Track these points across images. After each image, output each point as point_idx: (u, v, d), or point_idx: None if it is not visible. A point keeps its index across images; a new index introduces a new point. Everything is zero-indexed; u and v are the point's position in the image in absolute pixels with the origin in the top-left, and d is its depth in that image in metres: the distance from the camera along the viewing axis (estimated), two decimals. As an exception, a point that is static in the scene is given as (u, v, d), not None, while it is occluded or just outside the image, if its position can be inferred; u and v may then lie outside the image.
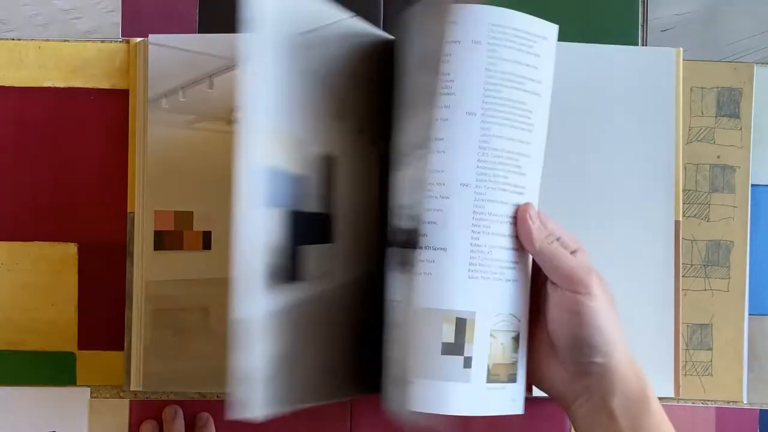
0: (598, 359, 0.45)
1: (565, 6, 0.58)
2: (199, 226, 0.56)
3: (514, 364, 0.46)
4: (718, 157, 0.58)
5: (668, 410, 0.57)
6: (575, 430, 0.47)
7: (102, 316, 0.57)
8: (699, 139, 0.58)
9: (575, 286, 0.45)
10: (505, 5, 0.59)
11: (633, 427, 0.44)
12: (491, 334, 0.45)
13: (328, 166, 0.47)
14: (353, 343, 0.49)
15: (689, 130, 0.58)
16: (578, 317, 0.44)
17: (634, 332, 0.50)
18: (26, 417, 0.56)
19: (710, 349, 0.58)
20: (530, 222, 0.45)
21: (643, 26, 0.59)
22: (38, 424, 0.56)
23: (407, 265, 0.45)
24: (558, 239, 0.46)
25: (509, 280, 0.45)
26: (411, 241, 0.45)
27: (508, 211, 0.45)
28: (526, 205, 0.46)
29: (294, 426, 0.57)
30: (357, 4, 0.58)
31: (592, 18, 0.58)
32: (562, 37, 0.58)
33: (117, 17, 0.58)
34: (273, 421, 0.57)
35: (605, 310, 0.44)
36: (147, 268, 0.56)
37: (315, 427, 0.57)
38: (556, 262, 0.45)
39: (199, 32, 0.58)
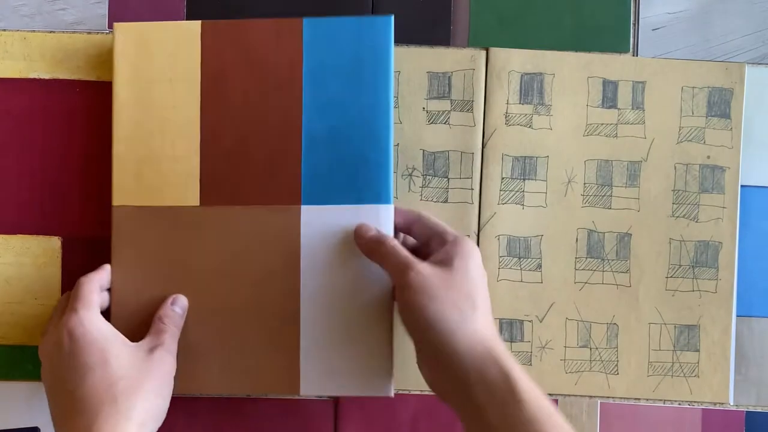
0: (435, 350, 0.45)
1: (556, 5, 0.58)
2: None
3: None
4: (708, 157, 0.58)
5: (655, 411, 0.57)
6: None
7: (85, 310, 0.56)
8: (689, 139, 0.58)
9: (397, 283, 0.48)
10: (494, 10, 0.59)
11: (504, 419, 0.42)
12: None
13: None
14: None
15: (679, 129, 0.58)
16: (407, 313, 0.47)
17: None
18: (8, 412, 0.56)
19: (697, 350, 0.57)
20: (358, 240, 0.51)
21: (634, 25, 0.58)
22: (20, 419, 0.56)
23: None
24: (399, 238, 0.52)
25: None
26: None
27: None
28: (358, 226, 0.52)
29: (277, 422, 0.57)
30: (346, 3, 0.58)
31: (584, 17, 0.58)
32: (553, 36, 0.58)
33: (103, 8, 0.57)
34: (256, 417, 0.57)
35: (430, 301, 0.45)
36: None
37: (299, 425, 0.57)
38: (383, 264, 0.50)
39: (187, 25, 0.57)
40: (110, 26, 0.57)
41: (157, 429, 0.48)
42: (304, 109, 0.52)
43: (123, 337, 0.49)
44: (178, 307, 0.52)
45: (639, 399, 0.57)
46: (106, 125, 0.57)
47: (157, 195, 0.53)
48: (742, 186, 0.58)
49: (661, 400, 0.58)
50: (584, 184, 0.58)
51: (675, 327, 0.58)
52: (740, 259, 0.58)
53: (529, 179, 0.57)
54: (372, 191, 0.51)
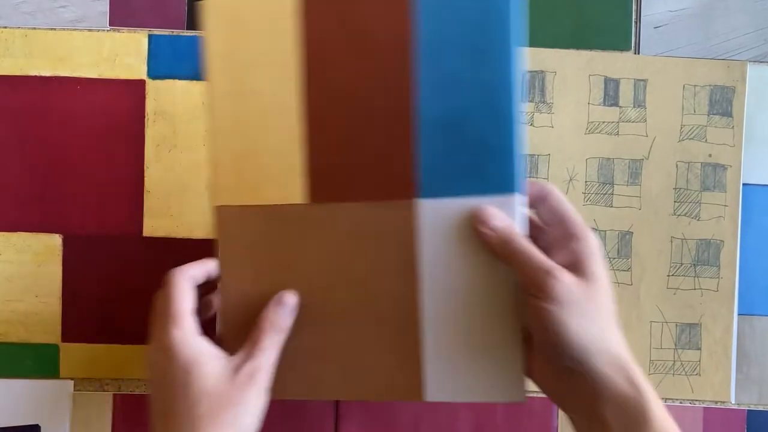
0: (570, 364, 0.42)
1: (558, 3, 0.58)
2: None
3: None
4: (710, 155, 0.58)
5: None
6: None
7: (86, 308, 0.56)
8: (691, 137, 0.58)
9: (531, 290, 0.42)
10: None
11: None
12: None
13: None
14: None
15: (681, 127, 0.58)
16: (539, 322, 0.42)
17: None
18: (8, 409, 0.56)
19: (699, 348, 0.57)
20: (479, 227, 0.45)
21: (636, 23, 0.58)
22: (20, 416, 0.56)
23: None
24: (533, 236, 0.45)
25: None
26: None
27: None
28: (479, 208, 0.45)
29: (278, 422, 0.57)
30: None
31: (586, 15, 0.58)
32: (555, 34, 0.58)
33: (104, 6, 0.57)
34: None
35: (571, 315, 0.41)
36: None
37: (299, 424, 0.57)
38: (514, 265, 0.44)
39: (188, 22, 0.57)
40: (111, 24, 0.57)
41: None
42: (420, 90, 0.45)
43: (216, 352, 0.45)
44: (281, 307, 0.47)
45: (640, 397, 0.57)
46: (107, 122, 0.57)
47: (260, 193, 0.48)
48: (743, 184, 0.58)
49: (662, 398, 0.57)
50: (585, 182, 0.57)
51: (676, 325, 0.57)
52: (742, 257, 0.58)
53: (530, 177, 0.57)
54: (498, 179, 0.44)
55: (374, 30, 0.45)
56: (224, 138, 0.48)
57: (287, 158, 0.47)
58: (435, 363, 0.47)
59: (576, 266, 0.43)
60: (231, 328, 0.48)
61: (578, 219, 0.45)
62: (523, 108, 0.42)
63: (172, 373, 0.43)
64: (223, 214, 0.48)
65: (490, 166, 0.44)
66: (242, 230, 0.48)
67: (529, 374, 0.46)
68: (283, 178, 0.47)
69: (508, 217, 0.44)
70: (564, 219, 0.45)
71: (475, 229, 0.45)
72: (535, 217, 0.47)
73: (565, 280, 0.42)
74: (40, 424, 0.56)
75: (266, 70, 0.47)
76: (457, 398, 0.47)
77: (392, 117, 0.46)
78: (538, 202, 0.46)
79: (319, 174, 0.47)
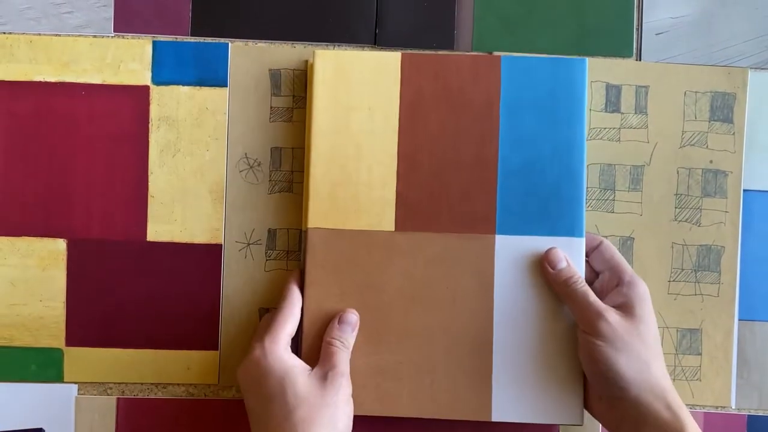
0: (616, 393, 0.49)
1: (560, 9, 0.58)
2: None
3: None
4: (711, 161, 0.58)
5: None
6: None
7: (90, 312, 0.57)
8: (692, 143, 0.58)
9: (585, 327, 0.50)
10: (497, 14, 0.59)
11: None
12: None
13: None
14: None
15: (682, 134, 0.58)
16: (590, 356, 0.49)
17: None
18: (12, 413, 0.56)
19: (699, 354, 0.58)
20: (546, 266, 0.52)
21: (638, 29, 0.58)
22: (25, 420, 0.56)
23: None
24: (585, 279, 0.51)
25: None
26: None
27: None
28: (550, 250, 0.52)
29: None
30: (350, 8, 0.58)
31: (587, 21, 0.58)
32: (557, 41, 0.58)
33: (109, 12, 0.58)
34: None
35: (618, 351, 0.48)
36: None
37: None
38: (570, 304, 0.51)
39: (192, 28, 0.58)
40: (116, 30, 0.58)
41: None
42: (500, 142, 0.53)
43: (304, 365, 0.50)
44: (345, 324, 0.52)
45: (641, 402, 0.58)
46: (111, 128, 0.57)
47: (352, 218, 0.54)
48: (744, 190, 0.58)
49: (663, 403, 0.58)
50: (587, 188, 0.58)
51: (677, 331, 0.58)
52: (742, 263, 0.58)
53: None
54: (565, 223, 0.53)
55: (466, 89, 0.54)
56: (321, 168, 0.54)
57: (380, 190, 0.54)
58: (503, 385, 0.52)
59: (626, 308, 0.50)
60: (312, 342, 0.53)
61: (628, 268, 0.52)
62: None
63: (268, 384, 0.49)
64: (314, 236, 0.54)
65: (561, 211, 0.53)
66: (330, 252, 0.54)
67: (587, 405, 0.52)
68: (377, 208, 0.54)
69: (574, 256, 0.52)
70: (616, 266, 0.52)
71: (542, 268, 0.52)
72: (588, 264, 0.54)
73: (612, 322, 0.49)
74: (44, 428, 0.56)
75: (371, 113, 0.54)
76: (519, 419, 0.52)
77: (480, 163, 0.53)
78: (590, 250, 0.53)
79: (407, 206, 0.54)
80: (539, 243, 0.53)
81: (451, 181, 0.53)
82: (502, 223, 0.53)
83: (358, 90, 0.54)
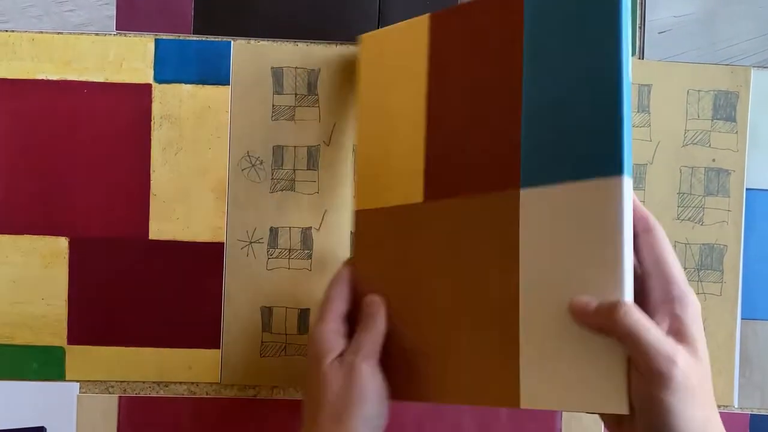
0: None
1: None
2: (190, 221, 0.55)
3: None
4: (714, 160, 0.58)
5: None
6: None
7: (92, 310, 0.57)
8: (694, 142, 0.58)
9: (651, 375, 0.38)
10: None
11: None
12: None
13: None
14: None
15: (685, 132, 0.58)
16: (651, 410, 0.39)
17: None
18: (14, 411, 0.56)
19: (702, 353, 0.57)
20: (580, 318, 0.41)
21: (640, 28, 0.58)
22: (26, 418, 0.56)
23: None
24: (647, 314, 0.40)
25: None
26: None
27: None
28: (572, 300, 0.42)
29: (281, 421, 0.57)
30: (352, 3, 0.58)
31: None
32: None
33: (111, 10, 0.58)
34: (260, 415, 0.57)
35: (684, 402, 0.38)
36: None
37: (304, 426, 0.57)
38: (629, 341, 0.39)
39: (194, 27, 0.58)
40: (118, 28, 0.58)
41: None
42: (524, 79, 0.44)
43: (338, 347, 0.48)
44: (369, 307, 0.49)
45: (643, 401, 0.57)
46: (114, 126, 0.57)
47: (388, 195, 0.50)
48: (747, 189, 0.58)
49: (665, 402, 0.58)
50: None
51: (680, 330, 0.57)
52: (745, 262, 0.58)
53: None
54: (602, 160, 0.40)
55: (492, 34, 0.46)
56: (365, 150, 0.52)
57: (411, 163, 0.49)
58: (533, 368, 0.43)
59: (684, 338, 0.40)
60: None
61: (680, 275, 0.42)
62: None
63: (308, 364, 0.49)
64: (359, 218, 0.52)
65: (593, 147, 0.41)
66: (372, 232, 0.51)
67: None
68: (406, 180, 0.49)
69: (621, 201, 0.40)
70: (666, 274, 0.41)
71: (574, 312, 0.41)
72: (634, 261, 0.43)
73: (683, 366, 0.38)
74: (46, 426, 0.56)
75: (402, 83, 0.50)
76: (553, 406, 0.43)
77: (500, 112, 0.45)
78: (640, 232, 0.42)
79: (434, 174, 0.48)
80: (572, 192, 0.42)
81: (477, 137, 0.46)
82: (528, 173, 0.44)
83: (391, 63, 0.51)
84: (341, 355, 0.47)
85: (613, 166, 0.40)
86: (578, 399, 0.42)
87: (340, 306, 0.49)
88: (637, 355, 0.39)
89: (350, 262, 0.52)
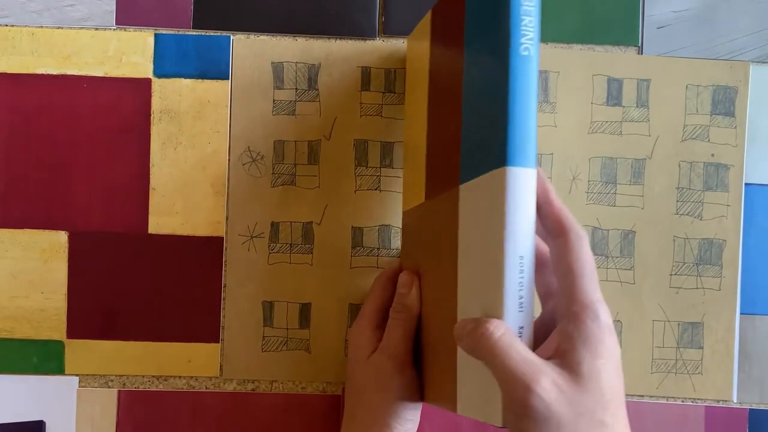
0: None
1: (565, 3, 0.58)
2: (190, 216, 0.56)
3: None
4: (713, 155, 0.58)
5: (658, 408, 0.58)
6: None
7: (91, 304, 0.57)
8: (693, 136, 0.58)
9: (510, 403, 0.34)
10: None
11: None
12: None
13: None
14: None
15: (684, 127, 0.58)
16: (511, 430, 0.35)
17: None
18: (13, 405, 0.56)
19: (701, 347, 0.58)
20: (459, 342, 0.38)
21: (639, 23, 0.59)
22: (25, 412, 0.56)
23: None
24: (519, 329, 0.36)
25: None
26: None
27: None
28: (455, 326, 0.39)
29: (282, 417, 0.57)
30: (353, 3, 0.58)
31: (593, 10, 0.58)
32: (563, 29, 0.58)
33: (111, 5, 0.58)
34: (261, 411, 0.57)
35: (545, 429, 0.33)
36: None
37: (304, 420, 0.57)
38: (490, 365, 0.35)
39: (194, 21, 0.58)
40: (118, 22, 0.58)
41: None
42: (463, 79, 0.42)
43: (369, 342, 0.49)
44: (401, 287, 0.49)
45: (642, 396, 0.58)
46: (113, 120, 0.57)
47: (414, 195, 0.52)
48: (746, 184, 0.58)
49: (664, 397, 0.58)
50: (588, 181, 0.58)
51: (679, 324, 0.58)
52: (744, 256, 0.58)
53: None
54: (495, 153, 0.37)
55: (450, 27, 0.45)
56: (406, 153, 0.54)
57: (420, 162, 0.50)
58: (466, 371, 0.40)
59: (564, 356, 0.35)
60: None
61: (587, 285, 0.36)
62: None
63: (348, 362, 0.51)
64: (403, 218, 0.55)
65: (491, 139, 0.38)
66: (407, 230, 0.53)
67: None
68: (417, 181, 0.50)
69: (500, 194, 0.36)
70: (569, 286, 0.36)
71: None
72: (544, 247, 0.40)
73: (547, 395, 0.33)
74: (45, 420, 0.56)
75: (417, 93, 0.52)
76: (482, 418, 0.38)
77: (452, 110, 0.43)
78: (552, 238, 0.38)
79: (429, 175, 0.48)
80: (480, 186, 0.39)
81: (446, 136, 0.45)
82: (465, 168, 0.41)
83: (413, 65, 0.53)
84: (375, 351, 0.48)
85: (501, 157, 0.36)
86: (474, 408, 0.40)
87: (379, 300, 0.50)
88: (497, 380, 0.35)
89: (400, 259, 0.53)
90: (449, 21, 0.46)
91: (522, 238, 0.36)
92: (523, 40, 0.37)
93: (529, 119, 0.37)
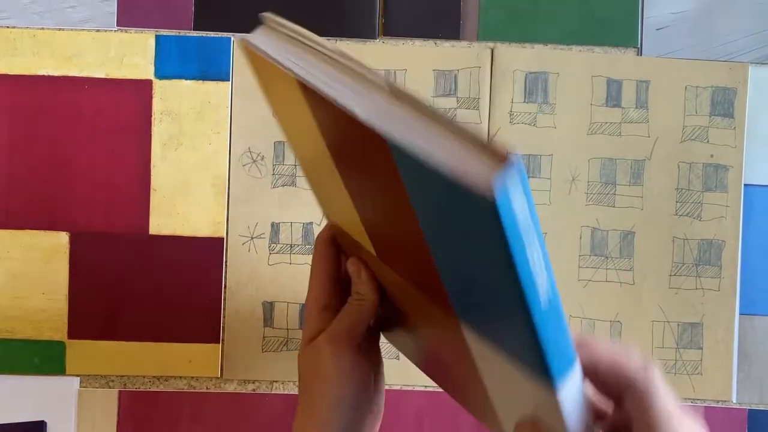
0: None
1: (564, 4, 0.58)
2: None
3: None
4: (712, 156, 0.58)
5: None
6: None
7: (92, 305, 0.57)
8: (693, 137, 0.58)
9: None
10: (503, 4, 0.59)
11: None
12: None
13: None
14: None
15: (683, 128, 0.58)
16: None
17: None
18: (14, 405, 0.56)
19: (700, 348, 0.58)
20: None
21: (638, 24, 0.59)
22: (26, 412, 0.56)
23: None
24: None
25: None
26: None
27: None
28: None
29: (283, 417, 0.57)
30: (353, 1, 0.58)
31: (593, 11, 0.58)
32: (563, 30, 0.58)
33: (112, 7, 0.58)
34: (262, 412, 0.57)
35: None
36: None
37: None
38: None
39: (195, 23, 0.58)
40: (119, 24, 0.58)
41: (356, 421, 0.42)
42: (426, 241, 0.31)
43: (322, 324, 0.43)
44: (352, 275, 0.43)
45: (642, 396, 0.58)
46: (114, 122, 0.57)
47: (351, 226, 0.41)
48: (745, 185, 0.58)
49: (664, 397, 0.58)
50: (588, 182, 0.58)
51: (678, 325, 0.58)
52: (743, 257, 0.58)
53: (533, 177, 0.58)
54: (530, 360, 0.31)
55: (367, 158, 0.31)
56: (306, 171, 0.45)
57: (354, 220, 0.38)
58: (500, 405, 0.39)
59: None
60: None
61: (667, 419, 0.32)
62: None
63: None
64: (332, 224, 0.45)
65: (506, 330, 0.31)
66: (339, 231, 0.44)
67: None
68: (357, 229, 0.39)
69: (555, 413, 0.32)
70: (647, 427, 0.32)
71: None
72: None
73: None
74: (46, 421, 0.56)
75: (306, 138, 0.37)
76: None
77: (412, 245, 0.33)
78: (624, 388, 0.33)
79: (377, 245, 0.39)
80: (514, 374, 0.33)
81: (398, 240, 0.36)
82: (459, 308, 0.34)
83: (269, 86, 0.39)
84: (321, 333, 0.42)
85: (542, 375, 0.30)
86: None
87: (323, 274, 0.43)
88: None
89: (331, 223, 0.44)
90: (358, 145, 0.31)
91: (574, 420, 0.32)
92: (539, 293, 0.28)
93: (564, 330, 0.30)
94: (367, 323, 0.43)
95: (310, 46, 0.32)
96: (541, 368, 0.30)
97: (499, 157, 0.24)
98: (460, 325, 0.34)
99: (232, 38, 0.58)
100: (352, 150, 0.32)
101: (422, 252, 0.32)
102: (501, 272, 0.27)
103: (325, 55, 0.31)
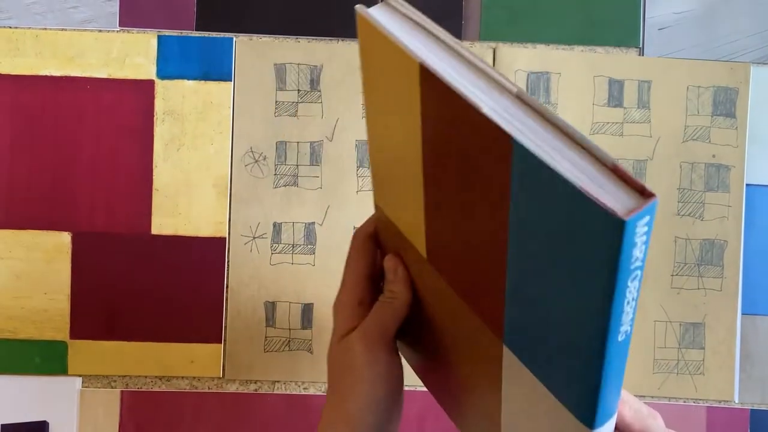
0: None
1: (566, 4, 0.58)
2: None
3: None
4: (714, 156, 0.58)
5: (660, 409, 0.57)
6: None
7: (94, 305, 0.57)
8: (694, 138, 0.58)
9: None
10: (505, 5, 0.59)
11: None
12: None
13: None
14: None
15: (685, 128, 0.58)
16: None
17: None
18: (16, 405, 0.56)
19: (702, 348, 0.58)
20: None
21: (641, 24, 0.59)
22: (29, 412, 0.56)
23: None
24: None
25: None
26: None
27: None
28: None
29: (283, 417, 0.57)
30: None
31: (595, 11, 0.58)
32: (565, 30, 0.58)
33: (114, 7, 0.58)
34: (263, 412, 0.57)
35: None
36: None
37: (305, 419, 0.57)
38: None
39: (197, 23, 0.58)
40: (121, 24, 0.58)
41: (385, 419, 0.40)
42: (508, 258, 0.31)
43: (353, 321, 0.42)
44: (386, 272, 0.42)
45: (644, 396, 0.58)
46: (116, 122, 0.57)
47: (398, 219, 0.42)
48: (747, 185, 0.58)
49: (666, 397, 0.58)
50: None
51: (680, 325, 0.58)
52: (745, 257, 0.58)
53: (535, 177, 0.58)
54: (574, 400, 0.31)
55: (478, 158, 0.30)
56: (374, 153, 0.42)
57: (414, 210, 0.37)
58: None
59: None
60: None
61: None
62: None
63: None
64: (378, 210, 0.43)
65: (570, 381, 0.31)
66: (383, 225, 0.44)
67: None
68: (412, 227, 0.39)
69: None
70: None
71: None
72: None
73: None
74: (48, 421, 0.56)
75: (398, 120, 0.36)
76: None
77: (487, 252, 0.32)
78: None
79: (431, 247, 0.38)
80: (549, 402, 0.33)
81: (466, 245, 0.35)
82: (511, 336, 0.33)
83: (387, 83, 0.37)
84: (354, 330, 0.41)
85: (586, 418, 0.30)
86: None
87: (360, 266, 0.42)
88: None
89: (374, 217, 0.43)
90: (473, 142, 0.30)
91: None
92: (622, 326, 0.27)
93: (622, 375, 0.30)
94: (400, 322, 0.42)
95: (434, 35, 0.31)
96: (586, 409, 0.29)
97: (638, 189, 0.24)
98: (502, 347, 0.34)
99: (234, 38, 0.58)
100: (457, 147, 0.31)
101: (496, 265, 0.31)
102: (590, 301, 0.27)
103: (450, 47, 0.30)
